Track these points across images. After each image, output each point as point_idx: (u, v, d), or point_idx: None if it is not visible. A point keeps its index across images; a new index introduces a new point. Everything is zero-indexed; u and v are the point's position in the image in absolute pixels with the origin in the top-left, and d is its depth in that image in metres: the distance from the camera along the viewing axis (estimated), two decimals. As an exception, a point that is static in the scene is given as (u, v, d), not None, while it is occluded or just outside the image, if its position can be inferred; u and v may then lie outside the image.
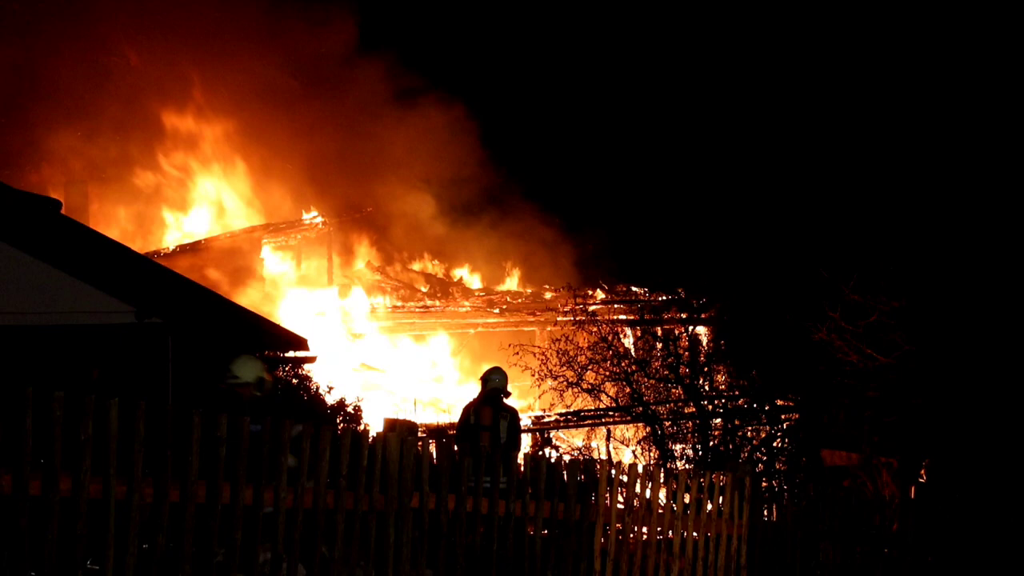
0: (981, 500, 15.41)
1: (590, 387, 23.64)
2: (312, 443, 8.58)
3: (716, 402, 23.52)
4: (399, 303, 41.48)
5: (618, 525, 11.13)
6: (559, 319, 29.53)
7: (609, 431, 25.46)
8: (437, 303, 41.80)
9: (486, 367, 15.24)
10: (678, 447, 22.99)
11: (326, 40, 44.08)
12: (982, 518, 14.86)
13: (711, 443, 22.79)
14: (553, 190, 45.99)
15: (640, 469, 11.40)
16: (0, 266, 16.52)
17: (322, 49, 44.18)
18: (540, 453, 23.37)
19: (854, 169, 27.21)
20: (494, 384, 14.45)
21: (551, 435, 27.96)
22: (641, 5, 49.78)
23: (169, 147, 43.01)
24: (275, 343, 20.08)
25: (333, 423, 22.68)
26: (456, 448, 9.90)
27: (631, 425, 24.61)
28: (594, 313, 28.89)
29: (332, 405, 24.23)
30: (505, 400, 14.54)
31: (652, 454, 23.02)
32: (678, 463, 22.40)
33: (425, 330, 40.53)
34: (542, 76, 48.98)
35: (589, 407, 25.12)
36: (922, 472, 19.56)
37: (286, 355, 21.88)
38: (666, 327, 24.62)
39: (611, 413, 25.19)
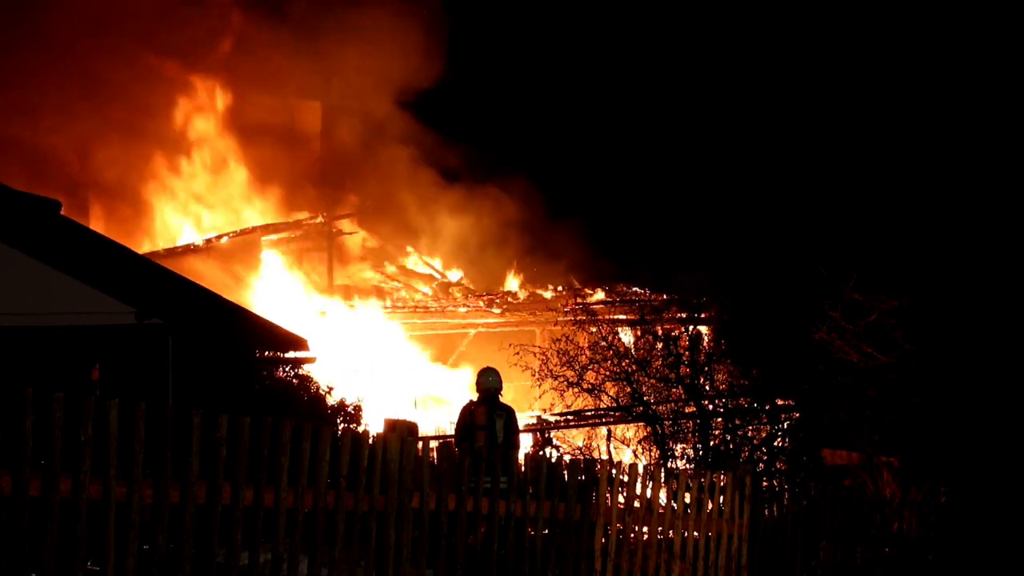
0: (983, 499, 15.41)
1: (590, 387, 23.61)
2: (312, 444, 8.58)
3: (717, 402, 23.48)
4: (399, 304, 41.48)
5: (619, 525, 11.14)
6: (559, 319, 29.50)
7: (609, 431, 25.39)
8: (437, 303, 41.81)
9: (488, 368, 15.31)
10: (679, 447, 22.96)
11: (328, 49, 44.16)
12: (984, 517, 14.87)
13: (711, 443, 22.76)
14: (554, 190, 46.01)
15: (640, 469, 11.40)
16: (0, 267, 16.54)
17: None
18: (540, 453, 23.36)
19: (854, 169, 27.22)
20: (489, 384, 14.61)
21: (551, 435, 27.93)
22: (644, 5, 49.79)
23: (169, 147, 43.02)
24: (275, 343, 20.11)
25: (333, 423, 22.67)
26: (455, 449, 9.94)
27: (631, 425, 24.57)
28: (594, 313, 28.91)
29: (332, 405, 24.22)
30: (501, 399, 14.67)
31: (652, 454, 22.99)
32: (678, 463, 22.37)
33: (425, 330, 40.54)
34: (545, 74, 48.99)
35: (589, 407, 25.10)
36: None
37: (286, 355, 21.91)
38: (666, 327, 24.57)
39: (611, 413, 25.14)
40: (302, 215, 43.85)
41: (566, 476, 10.70)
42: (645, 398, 23.49)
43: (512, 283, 44.71)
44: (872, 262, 20.60)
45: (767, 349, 23.21)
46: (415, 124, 45.04)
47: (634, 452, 23.42)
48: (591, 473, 10.94)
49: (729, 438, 23.01)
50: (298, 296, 39.19)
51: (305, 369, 24.57)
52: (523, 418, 24.50)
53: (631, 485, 11.32)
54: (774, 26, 45.15)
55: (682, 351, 23.66)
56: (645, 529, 11.46)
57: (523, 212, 44.36)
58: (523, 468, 10.47)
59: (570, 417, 28.33)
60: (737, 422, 23.31)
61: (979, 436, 18.72)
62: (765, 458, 22.80)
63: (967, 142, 23.42)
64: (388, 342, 38.39)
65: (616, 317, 30.02)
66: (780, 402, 23.68)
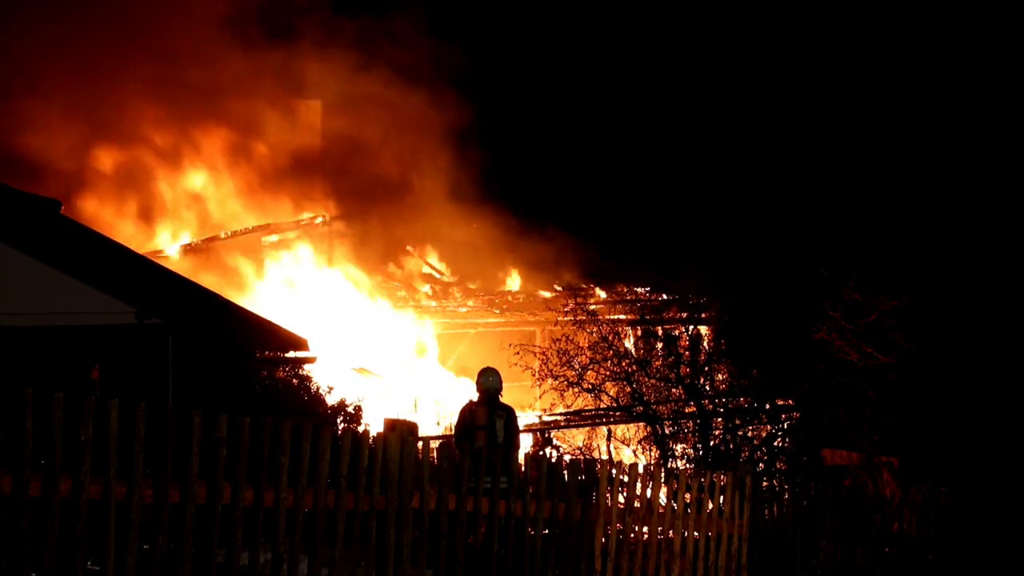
0: (983, 499, 15.42)
1: (591, 387, 23.63)
2: (312, 444, 8.57)
3: (717, 401, 23.49)
4: (400, 304, 41.48)
5: (619, 525, 11.14)
6: (559, 319, 29.54)
7: (610, 431, 25.40)
8: (436, 303, 41.82)
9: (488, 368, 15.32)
10: (679, 447, 22.97)
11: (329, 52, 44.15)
12: (984, 517, 14.88)
13: (712, 442, 22.77)
14: (554, 190, 45.96)
15: (641, 469, 11.40)
16: (0, 267, 16.54)
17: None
18: (541, 453, 23.37)
19: (854, 169, 27.21)
20: (489, 384, 14.61)
21: (552, 435, 27.93)
22: (641, 5, 49.79)
23: (168, 147, 43.00)
24: (275, 343, 20.11)
25: (334, 424, 22.67)
26: (456, 449, 9.94)
27: (632, 425, 24.58)
28: (594, 313, 28.89)
29: (332, 406, 24.21)
30: (501, 399, 14.67)
31: (653, 454, 23.00)
32: (679, 463, 22.38)
33: (425, 330, 40.55)
34: (544, 73, 48.97)
35: (590, 407, 25.11)
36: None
37: (286, 355, 21.91)
38: (666, 327, 24.58)
39: (611, 413, 25.15)
40: (303, 215, 43.84)
41: (566, 476, 10.70)
42: (645, 398, 23.49)
43: (512, 283, 44.71)
44: (872, 262, 20.61)
45: (767, 349, 23.21)
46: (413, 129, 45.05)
47: (634, 452, 23.43)
48: (591, 473, 10.95)
49: (729, 438, 23.02)
50: (298, 296, 39.17)
51: (306, 369, 24.56)
52: (523, 418, 24.50)
53: (631, 485, 11.33)
54: (774, 26, 45.15)
55: (682, 351, 23.67)
56: (645, 529, 11.46)
57: (523, 212, 44.34)
58: (523, 468, 10.47)
59: (570, 417, 28.34)
60: (737, 422, 23.32)
61: (979, 436, 18.72)
62: (765, 458, 22.81)
63: (967, 142, 23.41)
64: (387, 342, 38.37)
65: (616, 317, 29.99)
66: (780, 402, 23.69)
